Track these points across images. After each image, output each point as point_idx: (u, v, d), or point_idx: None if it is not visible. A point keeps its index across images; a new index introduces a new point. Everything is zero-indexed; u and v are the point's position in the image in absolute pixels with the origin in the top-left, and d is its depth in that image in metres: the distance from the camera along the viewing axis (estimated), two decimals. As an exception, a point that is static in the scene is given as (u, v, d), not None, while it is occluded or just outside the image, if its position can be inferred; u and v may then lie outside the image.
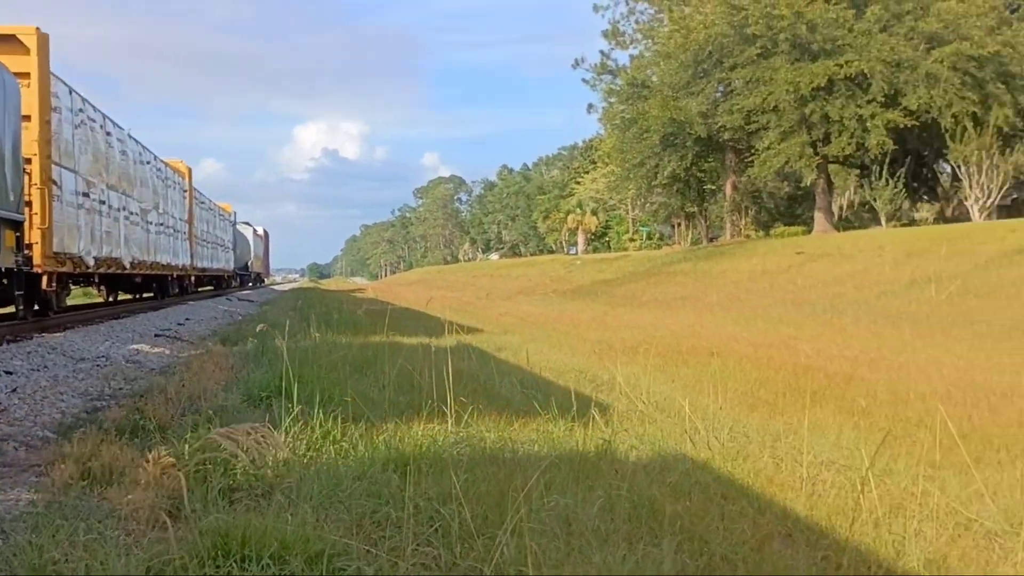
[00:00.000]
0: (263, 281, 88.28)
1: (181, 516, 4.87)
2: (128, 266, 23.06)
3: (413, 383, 9.27)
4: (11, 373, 10.96)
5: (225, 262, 51.62)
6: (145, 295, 31.97)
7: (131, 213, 23.64)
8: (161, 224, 28.45)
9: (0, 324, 16.36)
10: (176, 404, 8.15)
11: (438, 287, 74.84)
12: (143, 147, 26.58)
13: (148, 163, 26.96)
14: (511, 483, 5.38)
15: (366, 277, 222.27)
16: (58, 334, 16.15)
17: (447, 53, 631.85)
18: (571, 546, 4.48)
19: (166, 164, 31.12)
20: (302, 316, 20.55)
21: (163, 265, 28.78)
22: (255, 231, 72.78)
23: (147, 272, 26.75)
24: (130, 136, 24.71)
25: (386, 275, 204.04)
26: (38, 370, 11.52)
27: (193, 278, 39.83)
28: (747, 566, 4.54)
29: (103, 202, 20.82)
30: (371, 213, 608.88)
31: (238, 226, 64.14)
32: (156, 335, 17.79)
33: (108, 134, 21.88)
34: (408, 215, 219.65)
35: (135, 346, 15.42)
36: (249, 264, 67.82)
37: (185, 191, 36.01)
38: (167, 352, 15.18)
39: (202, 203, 42.42)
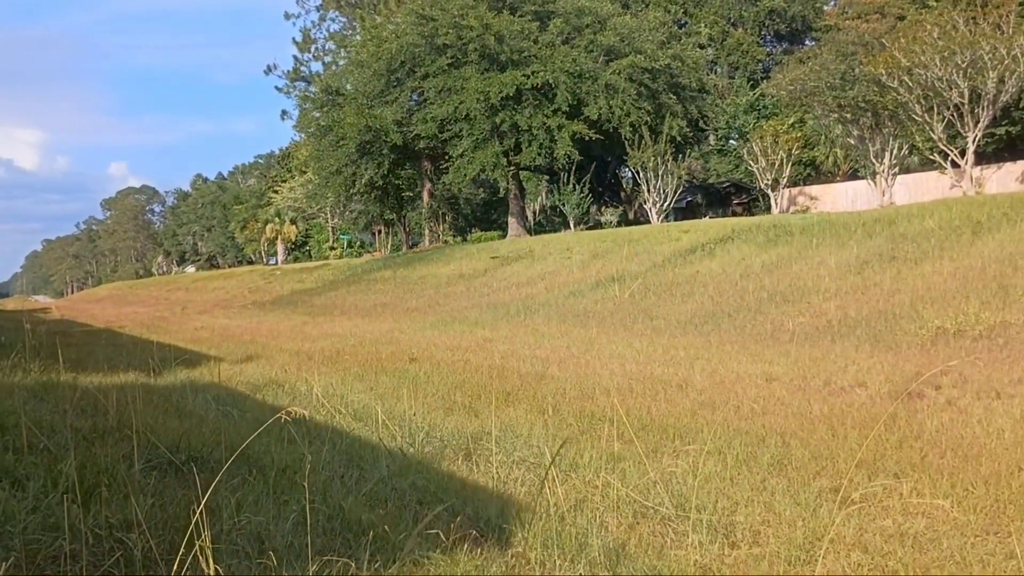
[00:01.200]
0: None
1: None
2: None
3: (97, 405, 8.82)
4: None
5: None
6: None
7: None
8: None
9: None
10: None
11: (130, 303, 71.42)
12: None
13: None
14: (202, 505, 5.23)
15: (51, 295, 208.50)
16: None
17: (129, 57, 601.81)
18: (261, 564, 4.41)
19: None
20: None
21: None
22: None
23: None
24: None
25: (73, 292, 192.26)
26: None
27: None
28: (439, 569, 4.63)
29: None
30: (54, 227, 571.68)
31: None
32: None
33: None
34: (95, 228, 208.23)
35: None
36: None
37: None
38: None
39: None
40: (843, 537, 5.59)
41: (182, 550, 4.36)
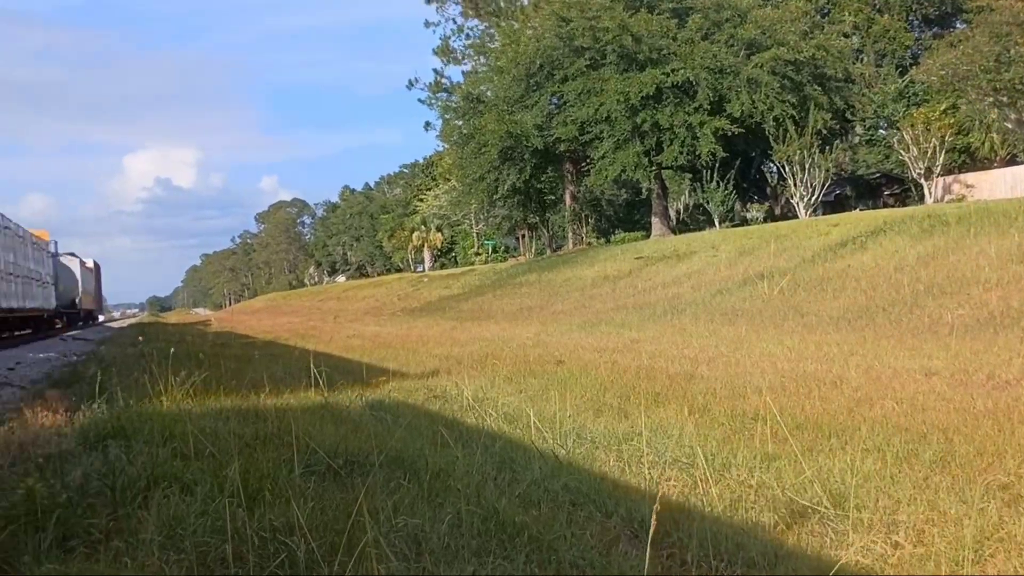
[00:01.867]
0: (96, 319, 79.27)
1: (12, 572, 4.66)
2: None
3: (257, 412, 9.11)
4: None
5: (42, 300, 43.25)
6: None
7: None
8: None
9: None
10: (5, 454, 7.78)
11: (284, 313, 73.66)
12: None
13: None
14: (359, 508, 5.34)
15: (209, 307, 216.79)
16: None
17: (279, 74, 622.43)
18: (420, 565, 4.47)
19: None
20: (141, 353, 19.92)
21: None
22: (83, 263, 63.44)
23: None
24: None
25: (230, 304, 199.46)
26: None
27: None
28: (595, 570, 4.62)
29: None
30: (211, 242, 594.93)
31: (61, 258, 56.42)
32: (-16, 382, 16.96)
33: None
34: (250, 241, 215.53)
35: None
36: (77, 301, 59.73)
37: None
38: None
39: (5, 228, 34.28)
40: (1014, 536, 5.35)
41: (343, 552, 4.47)
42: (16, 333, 39.85)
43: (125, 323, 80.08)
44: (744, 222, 54.07)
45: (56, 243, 54.93)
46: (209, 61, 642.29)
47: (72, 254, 60.98)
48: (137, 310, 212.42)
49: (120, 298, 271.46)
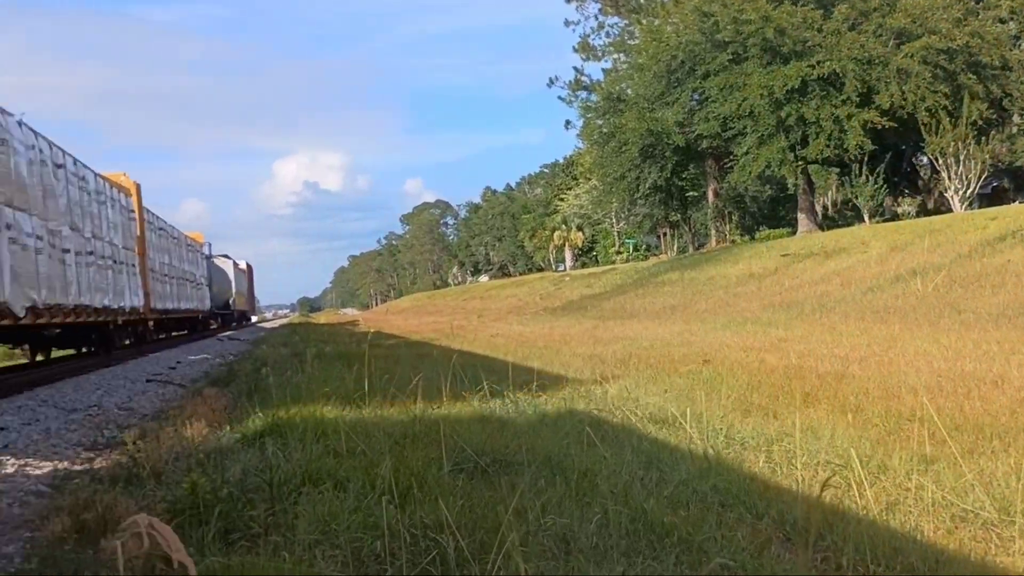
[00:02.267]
0: (249, 319, 79.70)
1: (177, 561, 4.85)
2: (21, 314, 14.95)
3: (406, 410, 9.28)
4: (3, 429, 10.92)
5: (198, 301, 42.91)
6: (79, 349, 25.60)
7: (24, 234, 15.27)
8: (89, 253, 19.89)
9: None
10: (169, 449, 8.12)
11: (429, 313, 74.82)
12: (51, 144, 18.00)
13: (61, 167, 18.32)
14: (506, 507, 5.38)
15: (357, 307, 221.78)
16: (48, 386, 16.10)
17: (422, 77, 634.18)
18: (569, 565, 4.48)
19: (100, 175, 22.65)
20: (294, 352, 20.53)
21: (96, 309, 20.37)
22: (236, 265, 63.56)
23: (66, 321, 18.47)
24: (21, 123, 16.04)
25: (377, 304, 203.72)
26: (30, 424, 11.47)
27: (151, 323, 30.88)
28: (747, 572, 4.54)
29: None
30: (358, 243, 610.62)
31: (215, 260, 56.79)
32: (148, 380, 17.74)
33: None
34: (395, 243, 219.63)
35: (127, 393, 15.37)
36: (231, 302, 59.79)
37: (131, 212, 26.70)
38: (159, 397, 15.13)
39: (160, 230, 33.31)
40: None
41: (493, 550, 4.51)
42: (173, 334, 40.47)
43: (277, 323, 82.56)
44: (895, 217, 52.36)
45: (210, 245, 55.89)
46: (355, 67, 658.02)
47: (226, 256, 61.67)
48: (288, 310, 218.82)
49: (272, 299, 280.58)
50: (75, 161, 19.75)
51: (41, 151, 16.96)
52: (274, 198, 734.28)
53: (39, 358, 23.47)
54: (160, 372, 19.71)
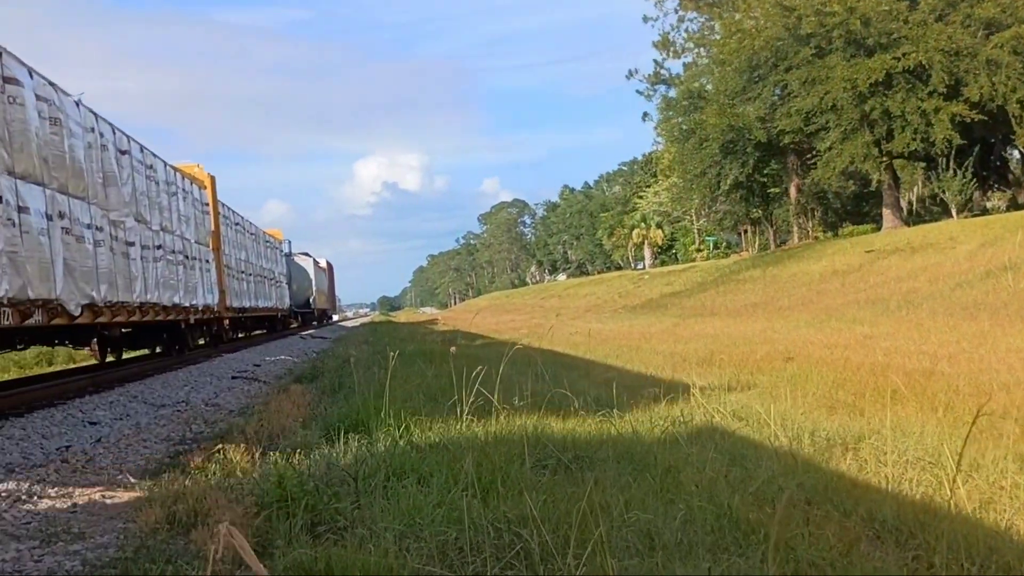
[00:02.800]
0: (331, 318, 78.47)
1: (267, 553, 4.93)
2: (76, 312, 13.46)
3: (487, 406, 9.29)
4: (95, 423, 11.21)
5: (277, 299, 41.45)
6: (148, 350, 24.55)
7: (80, 224, 13.83)
8: (158, 247, 18.64)
9: (84, 376, 16.79)
10: (256, 444, 8.26)
11: (507, 311, 74.98)
12: (114, 128, 16.60)
13: (125, 153, 16.96)
14: (590, 502, 5.37)
15: (436, 306, 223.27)
16: (138, 383, 16.48)
17: (498, 77, 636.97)
18: (653, 561, 4.45)
19: (171, 166, 21.23)
20: (375, 350, 20.70)
21: (166, 307, 19.04)
22: (316, 263, 62.36)
23: (131, 320, 17.17)
24: (79, 104, 14.49)
25: (455, 303, 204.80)
26: (121, 419, 11.76)
27: (227, 322, 29.06)
28: (836, 571, 4.47)
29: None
30: (436, 243, 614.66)
31: (296, 257, 56.13)
32: (233, 377, 18.05)
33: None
34: (473, 242, 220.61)
35: (213, 389, 15.66)
36: (311, 300, 58.45)
37: (205, 205, 25.12)
38: (244, 393, 15.39)
39: (237, 225, 31.62)
40: None
41: (576, 545, 4.50)
42: (252, 333, 39.48)
43: (358, 322, 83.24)
44: (984, 212, 51.13)
45: (289, 243, 55.15)
46: (433, 68, 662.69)
47: (306, 253, 60.71)
48: (368, 309, 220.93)
49: (352, 298, 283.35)
50: (142, 148, 18.42)
51: (102, 135, 15.60)
52: (354, 198, 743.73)
53: (109, 359, 21.98)
54: (245, 369, 20.03)
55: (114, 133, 16.43)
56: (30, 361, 27.85)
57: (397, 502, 5.55)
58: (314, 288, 58.83)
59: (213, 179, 27.06)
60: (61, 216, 12.93)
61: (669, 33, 67.28)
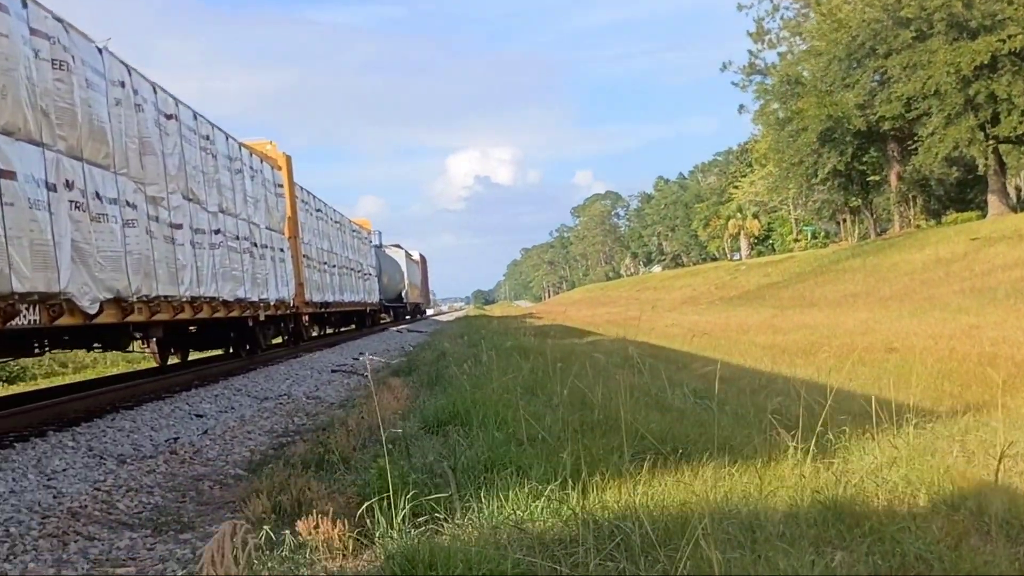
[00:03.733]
0: (424, 312, 76.64)
1: (369, 543, 5.02)
2: (92, 308, 10.60)
3: (584, 400, 9.29)
4: (202, 416, 11.51)
5: (364, 293, 38.50)
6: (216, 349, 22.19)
7: (100, 198, 11.11)
8: (216, 232, 16.06)
9: (188, 371, 17.22)
10: (356, 436, 8.39)
11: (602, 304, 74.80)
12: (156, 86, 13.80)
13: (172, 118, 14.22)
14: (690, 494, 5.34)
15: (529, 299, 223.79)
16: (242, 376, 16.86)
17: (589, 69, 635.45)
18: (755, 553, 4.41)
19: (235, 140, 18.59)
20: (471, 344, 20.83)
21: (227, 302, 16.53)
22: (408, 255, 60.04)
23: (177, 317, 14.14)
24: (103, 51, 11.71)
25: (549, 296, 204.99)
26: (226, 411, 12.06)
27: (306, 318, 26.05)
28: (943, 565, 4.37)
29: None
30: (529, 236, 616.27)
31: (387, 250, 54.29)
32: (333, 371, 18.35)
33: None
34: (566, 235, 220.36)
35: (314, 383, 15.94)
36: (403, 294, 56.40)
37: (279, 187, 22.20)
38: (344, 386, 15.63)
39: (319, 212, 28.94)
40: None
41: (677, 536, 4.48)
42: (340, 330, 37.22)
43: (452, 316, 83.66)
44: (1096, 197, 49.37)
45: (380, 233, 53.07)
46: (524, 62, 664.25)
47: (397, 245, 58.78)
48: (463, 303, 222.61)
49: (447, 292, 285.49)
50: (195, 115, 15.62)
51: (136, 91, 12.68)
52: (447, 193, 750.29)
53: (173, 360, 19.63)
54: (344, 363, 20.35)
55: (155, 93, 13.59)
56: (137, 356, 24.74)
57: (496, 493, 5.58)
58: (406, 281, 56.95)
59: (289, 159, 24.54)
60: (69, 186, 10.15)
61: (763, 20, 66.35)
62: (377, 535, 5.07)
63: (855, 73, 51.31)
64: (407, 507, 5.45)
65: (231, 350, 21.42)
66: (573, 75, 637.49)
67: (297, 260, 23.86)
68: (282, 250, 21.74)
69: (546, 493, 5.51)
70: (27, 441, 9.18)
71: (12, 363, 21.80)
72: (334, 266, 30.49)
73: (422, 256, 71.64)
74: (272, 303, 20.22)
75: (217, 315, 16.26)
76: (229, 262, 16.75)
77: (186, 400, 12.95)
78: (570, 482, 5.75)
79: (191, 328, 18.16)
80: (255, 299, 18.48)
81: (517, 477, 6.01)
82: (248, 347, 20.92)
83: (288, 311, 22.59)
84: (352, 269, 35.12)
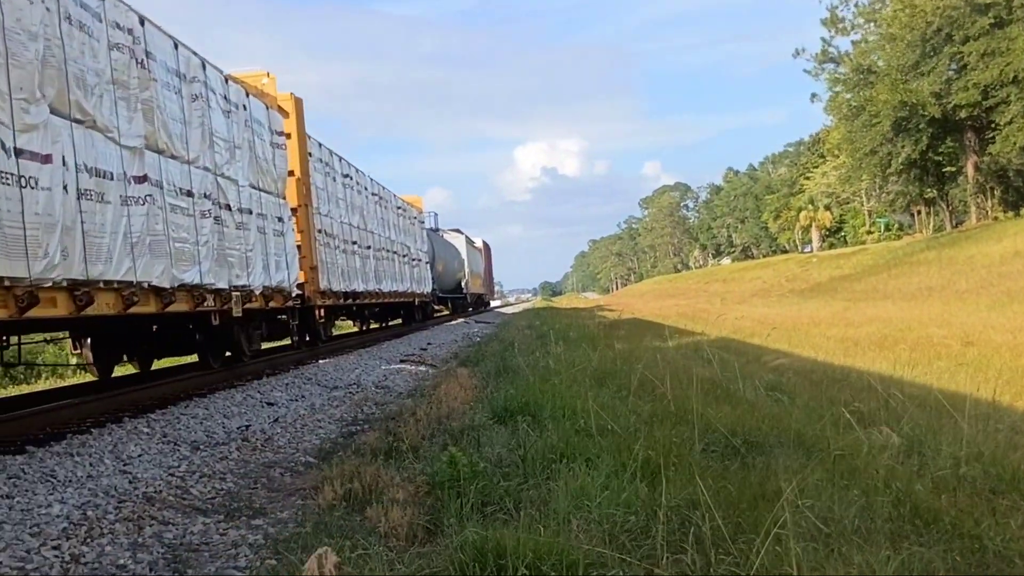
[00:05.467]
0: (487, 304, 69.30)
1: (438, 531, 5.04)
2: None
3: (653, 391, 9.24)
4: (272, 404, 11.64)
5: (413, 282, 32.18)
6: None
7: None
8: (186, 193, 12.05)
9: (260, 359, 17.40)
10: (425, 425, 8.42)
11: (670, 296, 74.39)
12: None
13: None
14: (762, 488, 5.28)
15: (597, 291, 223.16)
16: (312, 365, 17.01)
17: (658, 60, 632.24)
18: (830, 548, 4.34)
19: (191, 51, 12.79)
20: (538, 335, 20.83)
21: (166, 290, 11.20)
22: (470, 241, 54.75)
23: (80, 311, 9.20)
24: None
25: (617, 288, 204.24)
26: (296, 400, 12.18)
27: (322, 311, 20.23)
28: (1025, 563, 4.27)
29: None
30: (597, 227, 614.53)
31: (445, 235, 49.18)
32: (401, 360, 18.44)
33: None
34: (635, 226, 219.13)
35: (383, 372, 16.04)
36: (463, 283, 50.37)
37: (280, 136, 16.79)
38: (413, 376, 15.71)
39: (346, 177, 23.15)
40: None
41: (749, 530, 4.43)
42: (386, 324, 32.26)
43: (519, 307, 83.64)
44: None
45: (435, 215, 48.32)
46: (593, 53, 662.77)
47: (457, 230, 53.53)
48: (530, 295, 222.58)
49: (514, 283, 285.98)
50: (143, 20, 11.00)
51: None
52: (515, 184, 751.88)
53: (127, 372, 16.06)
54: (413, 353, 20.45)
55: None
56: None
57: (565, 484, 5.56)
58: (466, 270, 51.19)
59: (299, 103, 18.74)
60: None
61: (837, 8, 65.32)
62: (447, 524, 5.09)
63: (930, 60, 50.33)
64: (477, 496, 5.47)
65: (201, 359, 15.46)
66: (643, 66, 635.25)
67: (309, 236, 18.62)
68: (281, 220, 16.40)
69: (616, 485, 5.48)
70: (103, 427, 9.36)
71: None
72: (368, 247, 24.85)
73: (486, 244, 66.59)
74: (259, 292, 14.83)
75: (140, 309, 10.55)
76: (194, 232, 12.11)
77: (257, 388, 13.10)
78: (640, 474, 5.72)
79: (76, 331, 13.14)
80: (223, 287, 13.12)
81: (587, 468, 5.99)
82: (225, 353, 15.46)
83: (287, 303, 16.77)
84: (395, 253, 29.43)
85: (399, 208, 31.71)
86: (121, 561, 4.99)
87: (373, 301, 26.11)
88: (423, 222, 38.64)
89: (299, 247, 17.73)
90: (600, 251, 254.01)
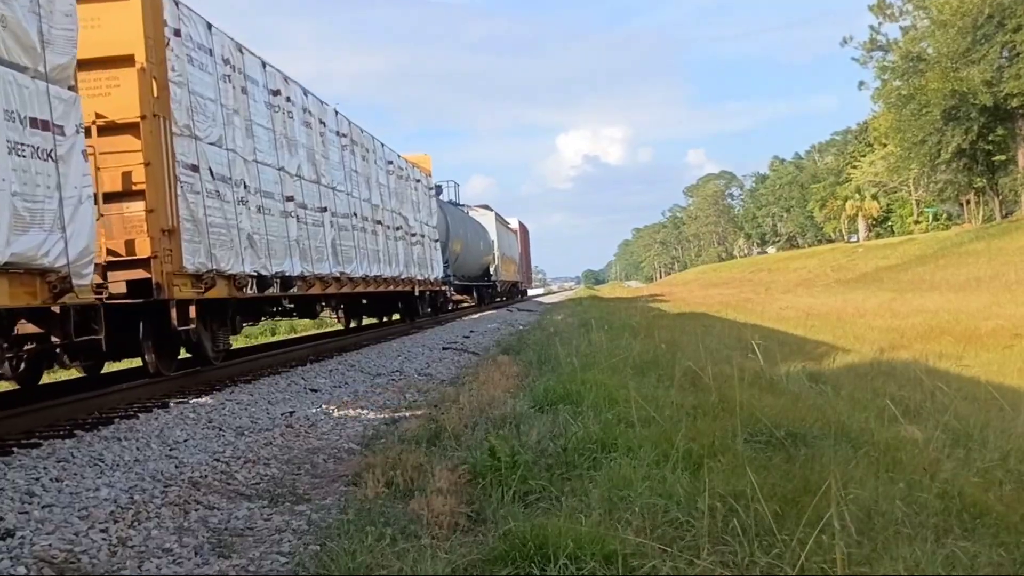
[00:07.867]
0: (524, 293, 61.59)
1: (480, 520, 5.04)
2: None
3: (695, 382, 9.20)
4: (316, 391, 11.72)
5: (417, 266, 24.81)
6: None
7: None
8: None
9: (305, 345, 17.52)
10: (467, 413, 8.43)
11: (714, 285, 74.00)
12: None
13: None
14: (806, 479, 5.23)
15: (640, 280, 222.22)
16: (355, 352, 17.11)
17: (704, 48, 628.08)
18: (875, 541, 4.30)
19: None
20: (581, 323, 20.77)
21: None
22: (501, 220, 45.84)
23: None
24: None
25: (660, 276, 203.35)
26: (340, 386, 12.26)
27: (192, 309, 11.24)
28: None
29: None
30: (640, 216, 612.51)
31: (470, 211, 41.60)
32: (444, 348, 18.48)
33: None
34: (679, 215, 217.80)
35: (425, 360, 16.09)
36: (492, 269, 42.26)
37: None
38: (455, 364, 15.75)
39: (275, 95, 14.60)
40: None
41: (793, 522, 4.39)
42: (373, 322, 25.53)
43: (562, 296, 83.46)
44: None
45: (456, 185, 40.15)
46: (636, 41, 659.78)
47: (486, 206, 45.29)
48: (573, 283, 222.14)
49: (557, 271, 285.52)
50: None
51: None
52: (557, 172, 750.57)
53: None
54: (455, 340, 20.49)
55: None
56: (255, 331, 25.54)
57: (606, 474, 5.55)
58: (496, 253, 42.73)
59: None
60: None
61: (886, -7, 64.43)
62: (489, 512, 5.10)
63: (982, 48, 49.54)
64: (518, 485, 5.47)
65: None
66: (687, 53, 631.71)
67: (163, 173, 10.66)
68: (82, 150, 8.53)
69: (658, 475, 5.46)
70: (150, 412, 9.47)
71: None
72: (322, 210, 16.61)
73: (522, 225, 57.74)
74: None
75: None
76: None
77: (301, 375, 13.20)
78: (682, 464, 5.69)
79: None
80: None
81: (628, 458, 5.97)
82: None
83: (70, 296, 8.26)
84: (380, 223, 21.23)
85: (401, 171, 24.11)
86: (167, 545, 5.05)
87: (326, 291, 17.15)
88: (432, 188, 29.34)
89: (120, 193, 10.48)
90: (644, 239, 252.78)
